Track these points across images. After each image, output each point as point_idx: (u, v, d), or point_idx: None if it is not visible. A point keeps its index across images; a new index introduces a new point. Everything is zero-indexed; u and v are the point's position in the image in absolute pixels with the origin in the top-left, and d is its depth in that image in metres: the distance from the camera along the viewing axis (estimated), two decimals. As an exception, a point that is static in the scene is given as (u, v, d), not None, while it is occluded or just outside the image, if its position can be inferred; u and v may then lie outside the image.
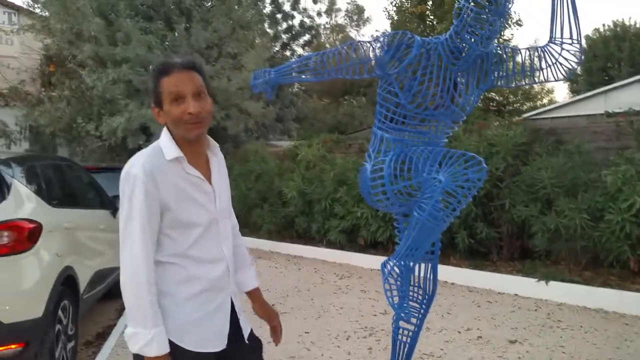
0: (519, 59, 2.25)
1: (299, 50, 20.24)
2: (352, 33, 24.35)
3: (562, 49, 2.11)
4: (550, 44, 2.17)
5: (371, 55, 2.18)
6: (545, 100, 30.01)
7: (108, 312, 5.52)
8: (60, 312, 3.55)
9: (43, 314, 3.26)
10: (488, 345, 3.99)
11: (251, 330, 1.69)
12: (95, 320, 5.20)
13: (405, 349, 2.54)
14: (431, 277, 2.41)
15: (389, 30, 18.22)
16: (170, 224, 1.49)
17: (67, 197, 4.40)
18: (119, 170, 7.62)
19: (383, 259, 7.05)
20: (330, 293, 5.73)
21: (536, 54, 2.19)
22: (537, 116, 12.29)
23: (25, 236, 3.25)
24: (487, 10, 1.95)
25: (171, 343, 1.46)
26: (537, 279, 5.35)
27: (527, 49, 2.22)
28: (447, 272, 5.87)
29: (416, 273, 2.36)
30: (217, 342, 1.55)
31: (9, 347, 3.08)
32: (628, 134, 5.28)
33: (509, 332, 4.27)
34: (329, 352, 3.93)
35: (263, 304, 1.85)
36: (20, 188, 3.47)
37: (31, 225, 3.33)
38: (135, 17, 10.58)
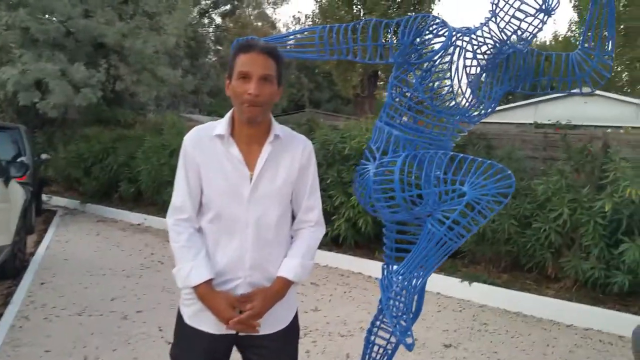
0: (546, 63, 2.06)
1: (218, 20, 19.26)
2: (269, 11, 23.65)
3: (596, 59, 1.95)
4: (580, 52, 2.01)
5: (391, 38, 1.87)
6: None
7: (-8, 297, 4.71)
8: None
9: None
10: (425, 349, 3.92)
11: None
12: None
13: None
14: (422, 293, 2.19)
15: (316, 12, 17.80)
16: (203, 191, 1.66)
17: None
18: (6, 129, 6.38)
19: (331, 255, 6.68)
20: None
21: (567, 60, 2.01)
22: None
23: None
24: (532, 6, 1.73)
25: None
26: (460, 279, 5.43)
27: (556, 54, 2.04)
28: (372, 267, 5.80)
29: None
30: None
31: None
32: (555, 145, 5.51)
33: (441, 335, 4.24)
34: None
35: (266, 290, 1.65)
36: None
37: None
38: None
